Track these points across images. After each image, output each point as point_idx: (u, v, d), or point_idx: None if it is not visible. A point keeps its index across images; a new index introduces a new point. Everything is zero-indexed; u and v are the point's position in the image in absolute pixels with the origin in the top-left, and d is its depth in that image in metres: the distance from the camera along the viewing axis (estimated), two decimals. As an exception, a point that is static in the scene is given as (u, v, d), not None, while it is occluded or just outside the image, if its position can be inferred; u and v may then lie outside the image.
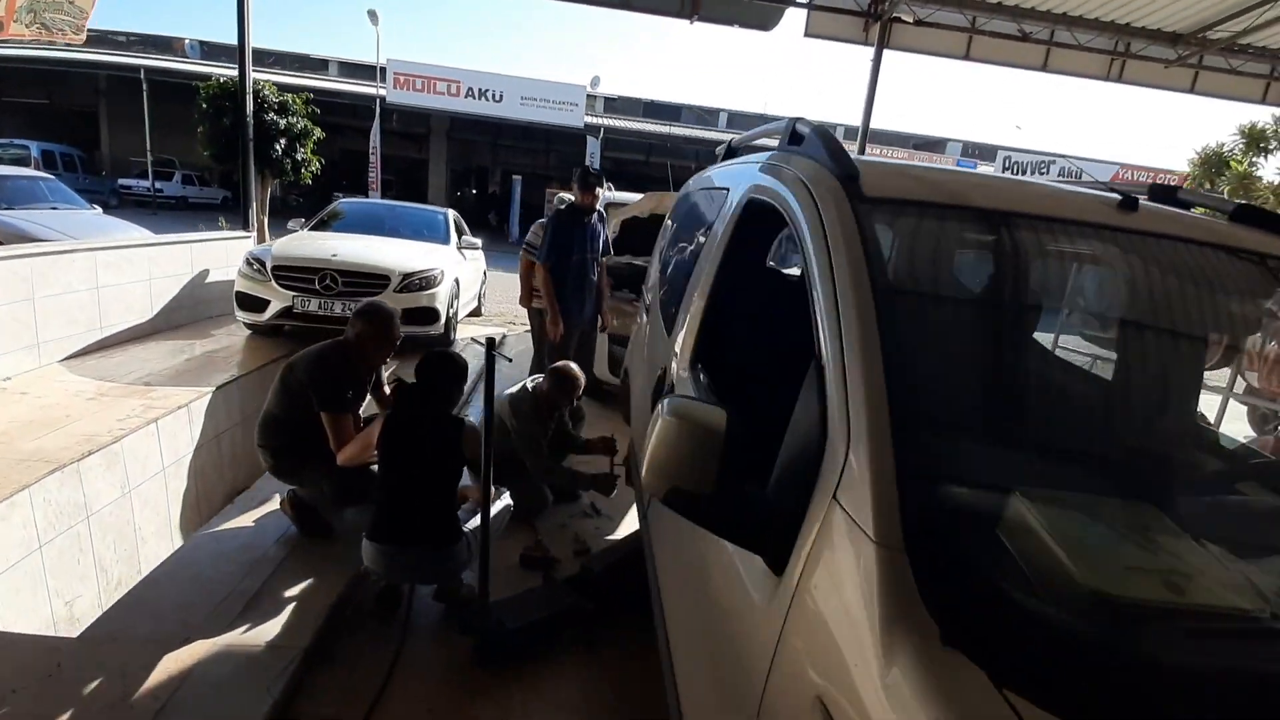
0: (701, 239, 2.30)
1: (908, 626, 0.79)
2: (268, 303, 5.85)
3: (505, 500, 2.78)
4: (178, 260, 6.47)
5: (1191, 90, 10.56)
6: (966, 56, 10.26)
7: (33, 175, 8.69)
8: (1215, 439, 1.84)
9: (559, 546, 3.22)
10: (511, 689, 2.30)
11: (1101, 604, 0.85)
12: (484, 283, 9.35)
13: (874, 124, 10.61)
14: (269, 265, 5.83)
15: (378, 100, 19.30)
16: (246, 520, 3.00)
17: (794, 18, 10.88)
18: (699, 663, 1.45)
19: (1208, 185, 11.92)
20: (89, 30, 9.78)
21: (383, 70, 20.04)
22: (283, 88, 9.67)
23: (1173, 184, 1.89)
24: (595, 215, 4.28)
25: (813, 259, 1.27)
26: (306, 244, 6.35)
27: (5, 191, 7.57)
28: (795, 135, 1.96)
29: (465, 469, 2.63)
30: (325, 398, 2.70)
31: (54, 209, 7.74)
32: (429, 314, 6.10)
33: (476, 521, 2.48)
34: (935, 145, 29.22)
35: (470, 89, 20.92)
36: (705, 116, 30.49)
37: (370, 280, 5.91)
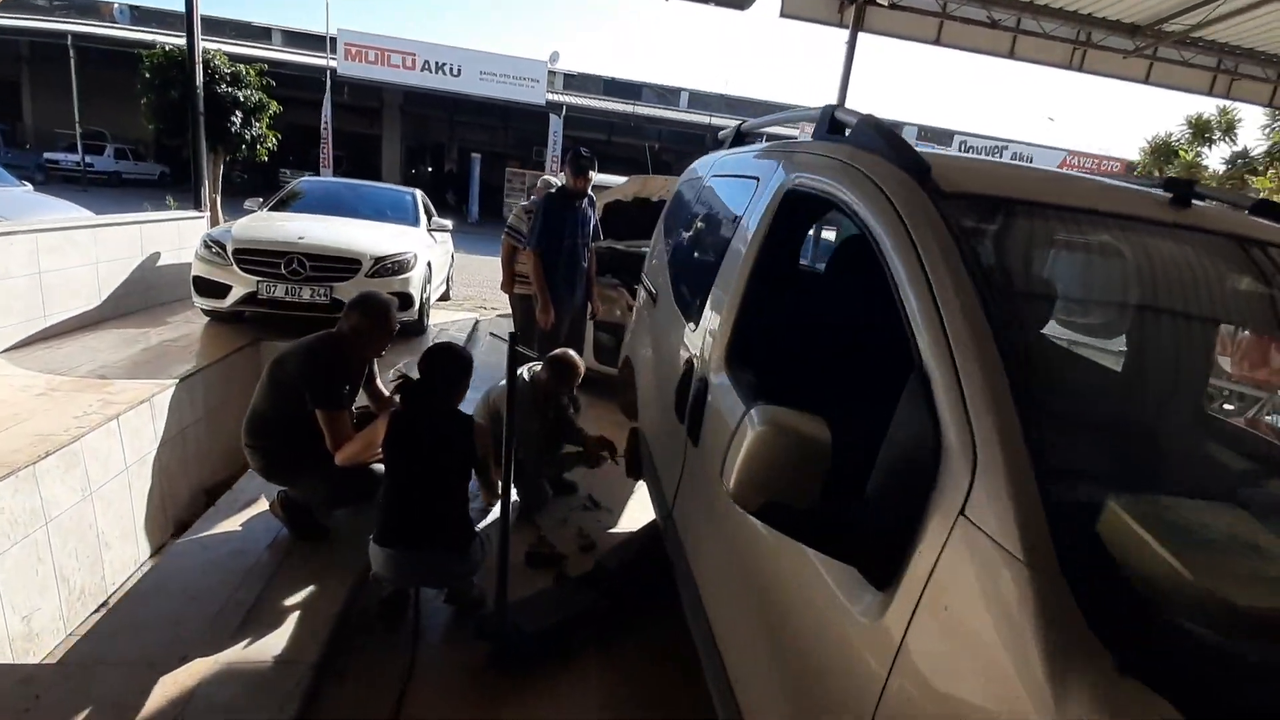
0: (726, 228, 2.22)
1: (1078, 655, 0.75)
2: (229, 288, 5.53)
3: (512, 497, 2.68)
4: (126, 242, 6.06)
5: (1146, 81, 10.92)
6: (937, 42, 10.36)
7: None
8: (1229, 428, 1.88)
9: (563, 542, 3.14)
10: (531, 694, 2.23)
11: (1264, 622, 0.82)
12: (451, 266, 9.09)
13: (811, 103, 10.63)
14: (230, 248, 5.50)
15: (328, 72, 18.48)
16: (233, 524, 2.83)
17: (770, -3, 10.79)
18: (767, 672, 1.40)
19: (1157, 173, 12.42)
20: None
21: (333, 40, 19.17)
22: (232, 58, 9.09)
23: (1189, 179, 1.91)
24: (586, 200, 4.16)
25: (896, 260, 1.21)
26: (269, 225, 6.02)
27: (-78, 168, 6.95)
28: (835, 124, 1.90)
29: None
30: (321, 394, 2.55)
31: (-20, 186, 7.15)
32: (403, 300, 5.86)
33: (485, 520, 2.40)
34: (894, 128, 29.58)
35: (426, 62, 20.19)
36: (666, 95, 30.16)
37: (340, 264, 5.65)
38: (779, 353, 1.84)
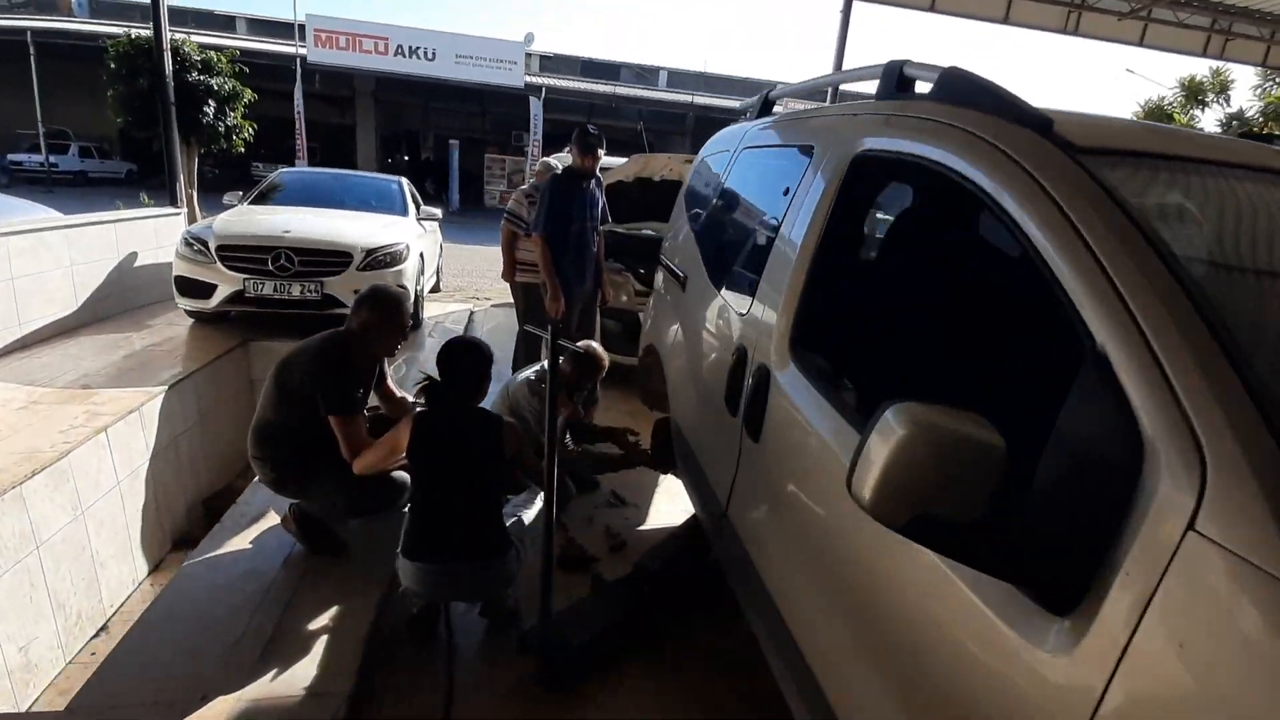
0: (776, 204, 2.04)
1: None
2: (214, 287, 5.27)
3: (540, 498, 2.51)
4: (101, 243, 5.75)
5: (1140, 43, 10.78)
6: (932, 8, 10.14)
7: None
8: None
9: (592, 542, 2.98)
10: (583, 709, 2.08)
11: None
12: (441, 256, 8.83)
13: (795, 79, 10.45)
14: (212, 245, 5.23)
15: (298, 60, 17.90)
16: (241, 541, 2.63)
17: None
18: (879, 696, 1.25)
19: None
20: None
21: (301, 27, 18.54)
22: (200, 46, 8.66)
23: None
24: (593, 181, 3.94)
25: (1037, 228, 1.04)
26: (253, 220, 5.73)
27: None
28: (904, 81, 1.73)
29: None
30: (334, 400, 2.35)
31: (-59, 190, 6.77)
32: (398, 293, 5.64)
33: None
34: (851, 97, 29.43)
35: (400, 47, 19.63)
36: (645, 75, 29.73)
37: (330, 258, 5.40)
38: (857, 337, 1.67)
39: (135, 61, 8.09)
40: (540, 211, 3.82)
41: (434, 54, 19.76)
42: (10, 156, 19.37)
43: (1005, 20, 10.41)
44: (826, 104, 2.29)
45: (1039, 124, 1.19)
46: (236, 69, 8.81)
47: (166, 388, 4.23)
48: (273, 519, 2.76)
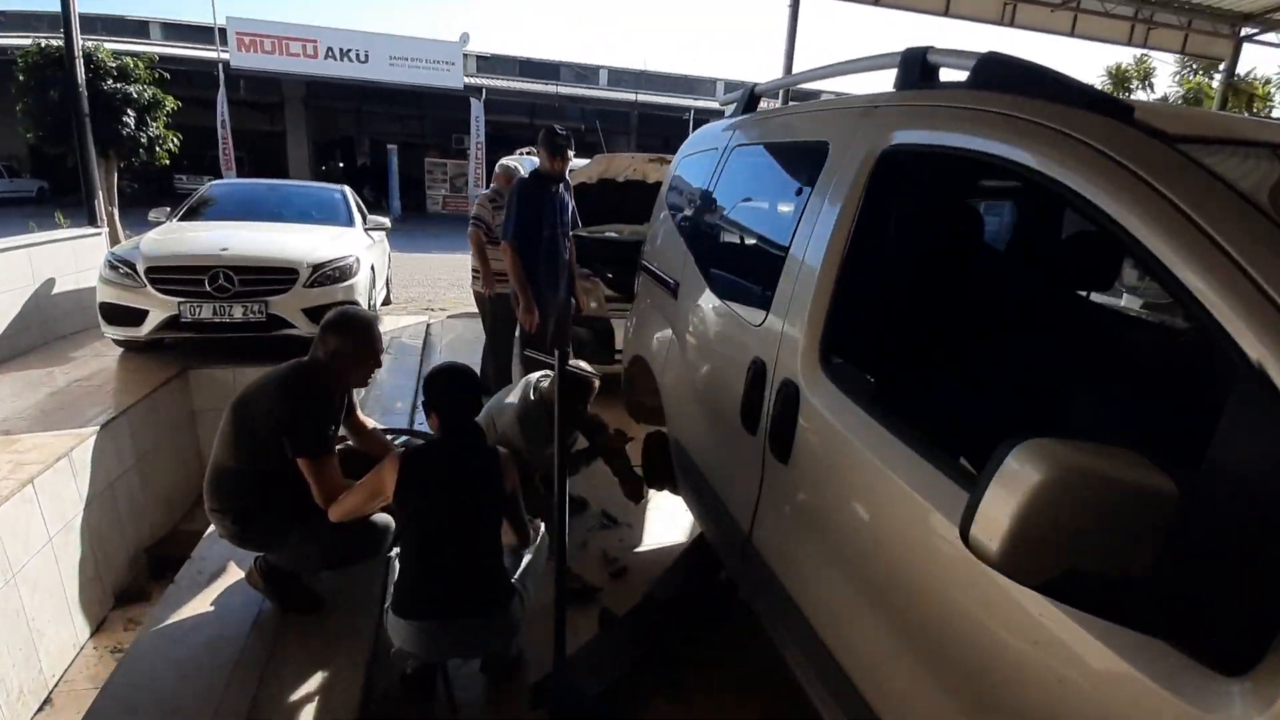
0: (787, 205, 1.90)
1: None
2: (145, 313, 4.83)
3: (543, 532, 2.32)
4: (14, 270, 5.23)
5: (1071, 33, 11.19)
6: (877, 3, 10.25)
7: None
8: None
9: (590, 569, 2.81)
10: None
11: None
12: (390, 267, 8.43)
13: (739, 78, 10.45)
14: (140, 268, 4.79)
15: (220, 66, 16.94)
16: (201, 604, 2.33)
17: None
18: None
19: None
20: None
21: (222, 31, 17.55)
22: (113, 54, 8.00)
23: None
24: (563, 184, 3.74)
25: (1149, 232, 0.92)
26: (184, 238, 5.31)
27: None
28: (928, 69, 1.61)
29: None
30: (303, 441, 2.10)
31: None
32: (351, 310, 5.30)
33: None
34: (809, 96, 29.91)
35: (330, 49, 18.78)
36: (585, 74, 29.42)
37: (273, 275, 5.02)
38: (902, 352, 1.54)
39: (45, 72, 7.40)
40: (509, 218, 3.60)
41: (367, 56, 19.02)
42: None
43: (946, 13, 10.64)
44: (824, 99, 2.18)
45: (1119, 110, 1.08)
46: (156, 75, 8.18)
47: (98, 428, 3.83)
48: (235, 574, 2.47)
